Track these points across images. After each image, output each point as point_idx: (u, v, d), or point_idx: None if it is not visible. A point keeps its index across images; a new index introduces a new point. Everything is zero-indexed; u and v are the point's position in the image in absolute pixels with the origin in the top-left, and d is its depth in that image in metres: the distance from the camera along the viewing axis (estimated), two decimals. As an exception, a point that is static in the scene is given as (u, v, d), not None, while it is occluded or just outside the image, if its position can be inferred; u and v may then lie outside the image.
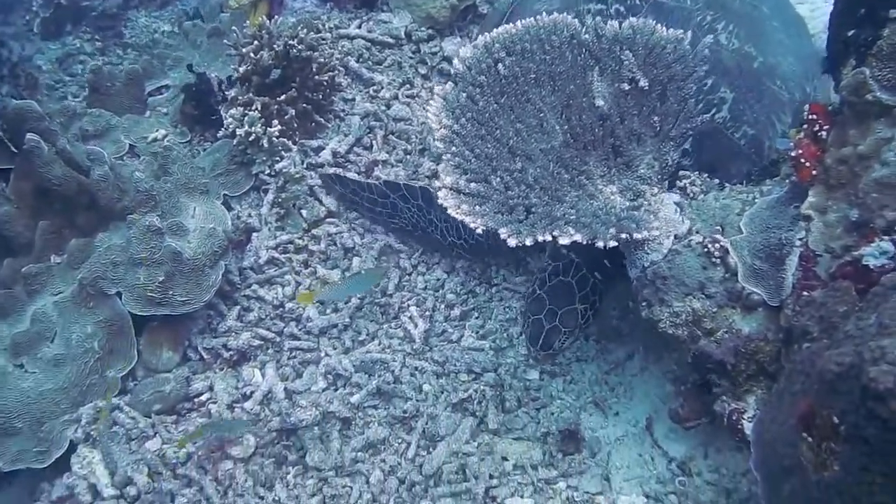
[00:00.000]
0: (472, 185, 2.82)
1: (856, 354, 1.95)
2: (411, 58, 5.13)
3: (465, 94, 3.03)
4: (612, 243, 2.70)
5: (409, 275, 4.38)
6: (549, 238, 2.66)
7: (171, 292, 3.86)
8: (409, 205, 4.21)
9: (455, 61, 3.07)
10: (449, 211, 2.74)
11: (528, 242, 2.65)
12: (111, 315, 3.87)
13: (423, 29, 5.14)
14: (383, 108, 4.83)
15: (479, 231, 2.73)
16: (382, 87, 4.94)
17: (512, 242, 2.66)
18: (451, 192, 2.80)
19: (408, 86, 5.01)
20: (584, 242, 2.69)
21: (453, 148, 2.89)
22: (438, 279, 4.34)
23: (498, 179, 2.83)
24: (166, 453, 3.67)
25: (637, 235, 2.71)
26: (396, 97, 4.92)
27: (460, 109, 2.97)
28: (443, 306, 4.25)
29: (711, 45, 3.17)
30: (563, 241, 2.66)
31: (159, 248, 3.82)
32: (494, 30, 3.12)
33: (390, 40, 5.14)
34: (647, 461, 3.55)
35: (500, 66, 3.05)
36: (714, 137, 3.29)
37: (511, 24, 3.12)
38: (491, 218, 2.73)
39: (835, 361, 2.04)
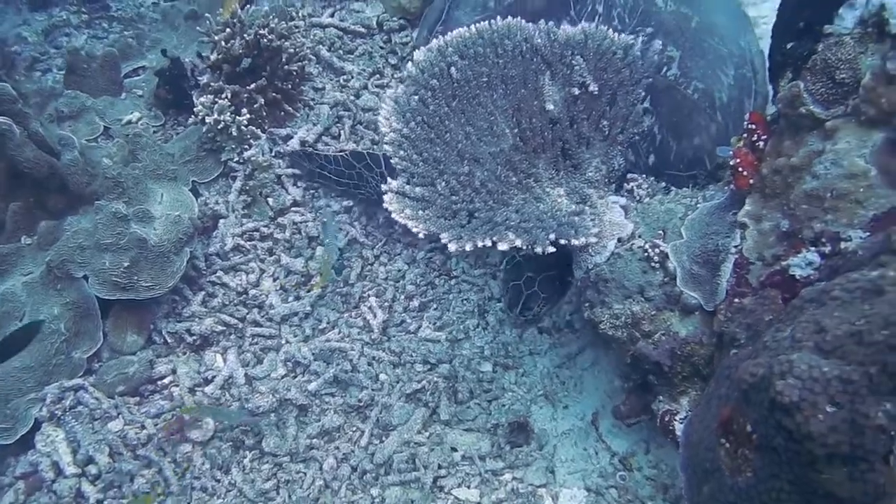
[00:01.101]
0: (418, 189, 2.89)
1: (767, 366, 2.04)
2: (382, 48, 5.18)
3: (416, 98, 3.10)
4: (550, 249, 2.78)
5: (371, 265, 4.47)
6: (489, 244, 2.74)
7: (136, 277, 3.94)
8: (373, 173, 4.27)
9: (408, 64, 3.14)
10: (393, 215, 2.82)
11: (468, 248, 2.73)
12: (78, 298, 3.95)
13: (394, 19, 5.18)
14: (352, 97, 4.89)
15: (420, 235, 2.80)
16: (352, 77, 5.00)
17: (452, 248, 2.74)
18: (397, 196, 2.88)
19: (377, 76, 5.06)
20: (524, 248, 2.78)
21: (401, 152, 2.97)
22: (399, 270, 4.43)
23: (443, 184, 2.91)
24: (128, 434, 3.77)
25: (575, 242, 2.80)
26: (366, 87, 4.98)
27: (411, 113, 3.04)
28: (402, 297, 4.34)
29: (651, 7, 3.27)
30: (502, 246, 2.74)
31: (125, 234, 3.90)
32: (437, 28, 3.18)
33: (362, 30, 5.19)
34: (591, 455, 3.66)
35: (452, 69, 3.12)
36: (669, 94, 3.40)
37: (465, 28, 3.19)
38: (433, 223, 2.81)
39: (749, 372, 2.13)
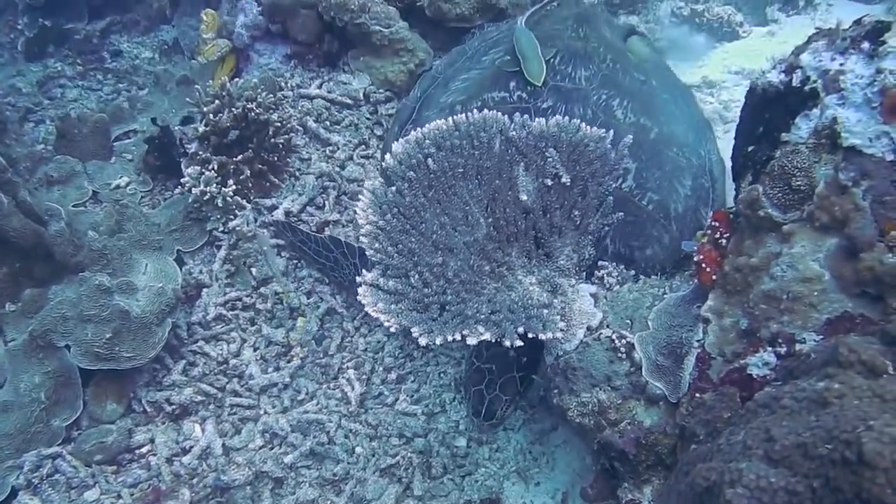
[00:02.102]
0: (391, 282, 2.97)
1: (719, 472, 2.11)
2: (368, 118, 5.30)
3: (393, 189, 3.19)
4: (518, 343, 2.86)
5: (352, 337, 4.54)
6: (458, 337, 2.82)
7: (117, 348, 4.00)
8: (348, 262, 4.34)
9: (387, 156, 3.24)
10: (366, 309, 2.90)
11: (439, 342, 2.81)
12: (59, 367, 4.02)
13: (380, 91, 5.31)
14: (338, 168, 5.00)
15: (392, 329, 2.88)
16: (338, 148, 5.11)
17: (423, 341, 2.81)
18: (371, 289, 2.96)
19: (363, 146, 5.18)
20: (493, 341, 2.86)
21: (376, 244, 3.05)
22: (379, 341, 4.50)
23: (416, 276, 2.99)
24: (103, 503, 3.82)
25: (542, 336, 2.88)
26: (351, 158, 5.09)
27: (387, 205, 3.13)
28: (381, 369, 4.41)
29: (610, 120, 3.38)
30: (471, 340, 2.81)
31: (108, 306, 3.98)
32: (407, 126, 3.29)
33: (349, 101, 5.31)
34: (559, 535, 3.72)
35: (429, 160, 3.22)
36: (624, 204, 3.45)
37: (442, 120, 3.29)
38: (405, 316, 2.88)
39: (703, 476, 2.19)
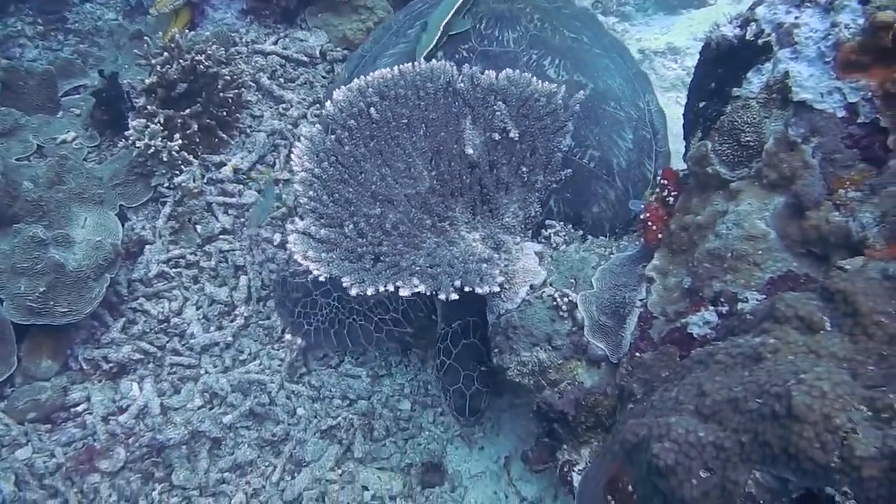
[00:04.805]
0: (324, 230, 2.87)
1: (648, 427, 2.04)
2: (324, 77, 5.18)
3: (332, 137, 3.08)
4: (454, 296, 2.77)
5: (298, 298, 4.42)
6: (391, 288, 2.73)
7: (52, 303, 3.87)
8: (329, 299, 4.05)
9: (327, 104, 3.13)
10: (295, 256, 2.79)
11: (370, 292, 2.72)
12: (-8, 320, 3.89)
13: (338, 49, 5.20)
14: (290, 126, 4.88)
15: (321, 278, 2.77)
16: (292, 106, 4.99)
17: (353, 292, 2.72)
18: (303, 237, 2.85)
19: (318, 105, 5.05)
20: (427, 293, 2.77)
21: (311, 192, 2.94)
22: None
23: (351, 226, 2.89)
24: (35, 462, 3.70)
25: (479, 290, 2.79)
26: (305, 116, 4.97)
27: (325, 153, 3.03)
28: (327, 331, 4.30)
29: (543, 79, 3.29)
30: (404, 292, 2.72)
31: (42, 258, 3.84)
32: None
33: (305, 58, 5.19)
34: (500, 499, 3.65)
35: (372, 109, 3.12)
36: (566, 164, 3.37)
37: (387, 69, 3.19)
38: (336, 265, 2.78)
39: (633, 431, 2.13)
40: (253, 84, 5.02)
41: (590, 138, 3.54)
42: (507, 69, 3.22)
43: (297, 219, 2.92)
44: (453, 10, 3.76)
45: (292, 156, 3.03)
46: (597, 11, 6.44)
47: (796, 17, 2.53)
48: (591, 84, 3.70)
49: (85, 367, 4.06)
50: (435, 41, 3.67)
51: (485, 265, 2.89)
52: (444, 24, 3.71)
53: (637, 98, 3.84)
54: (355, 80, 3.17)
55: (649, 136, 3.76)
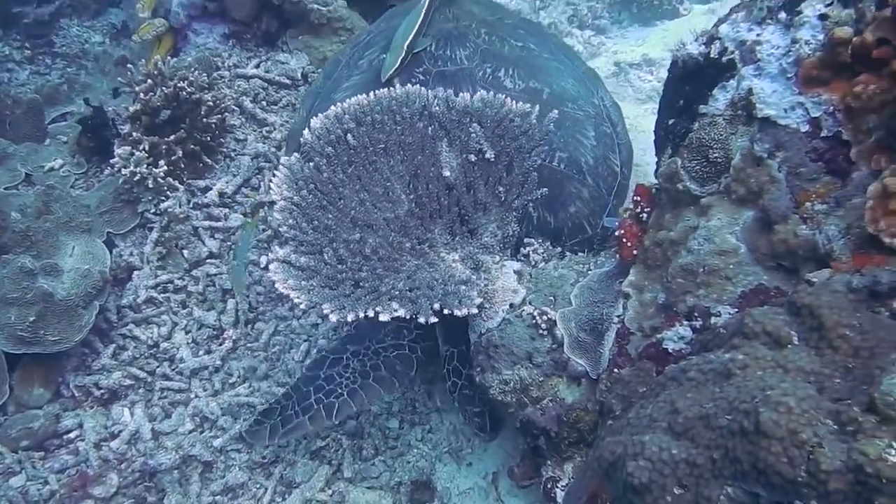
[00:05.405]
0: (303, 258, 2.91)
1: (623, 445, 2.09)
2: (306, 99, 5.22)
3: (311, 165, 3.13)
4: (433, 319, 2.81)
5: (288, 321, 4.48)
6: (370, 314, 2.77)
7: (42, 332, 3.92)
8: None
9: (305, 132, 3.17)
10: (277, 286, 2.83)
11: (350, 318, 2.75)
12: (-17, 352, 3.93)
13: (319, 71, 5.24)
14: (274, 148, 4.93)
15: (302, 307, 2.81)
16: (275, 129, 5.04)
17: (333, 318, 2.75)
18: (283, 265, 2.89)
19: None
20: (407, 317, 2.81)
21: (290, 220, 2.98)
22: (314, 323, 4.44)
23: (330, 252, 2.93)
24: (29, 490, 3.74)
25: (458, 312, 2.83)
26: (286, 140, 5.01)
27: (304, 180, 3.06)
28: (314, 350, 4.34)
29: (501, 91, 3.36)
30: (384, 317, 2.76)
31: (31, 288, 3.89)
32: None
33: (286, 81, 5.24)
34: (488, 515, 3.69)
35: (349, 136, 3.16)
36: (538, 170, 3.39)
37: (363, 95, 3.24)
38: (316, 293, 2.82)
39: (609, 450, 2.17)
40: (236, 108, 5.07)
41: (556, 141, 3.58)
42: (481, 91, 3.26)
43: (276, 247, 2.96)
44: (416, 29, 3.81)
45: (271, 184, 3.07)
46: (573, 26, 6.56)
47: (758, 35, 2.57)
48: (546, 88, 3.75)
49: (76, 394, 4.10)
50: (400, 61, 3.71)
51: (463, 287, 2.94)
52: (407, 44, 3.75)
53: (591, 96, 3.90)
54: (332, 107, 3.20)
55: (609, 130, 3.82)
